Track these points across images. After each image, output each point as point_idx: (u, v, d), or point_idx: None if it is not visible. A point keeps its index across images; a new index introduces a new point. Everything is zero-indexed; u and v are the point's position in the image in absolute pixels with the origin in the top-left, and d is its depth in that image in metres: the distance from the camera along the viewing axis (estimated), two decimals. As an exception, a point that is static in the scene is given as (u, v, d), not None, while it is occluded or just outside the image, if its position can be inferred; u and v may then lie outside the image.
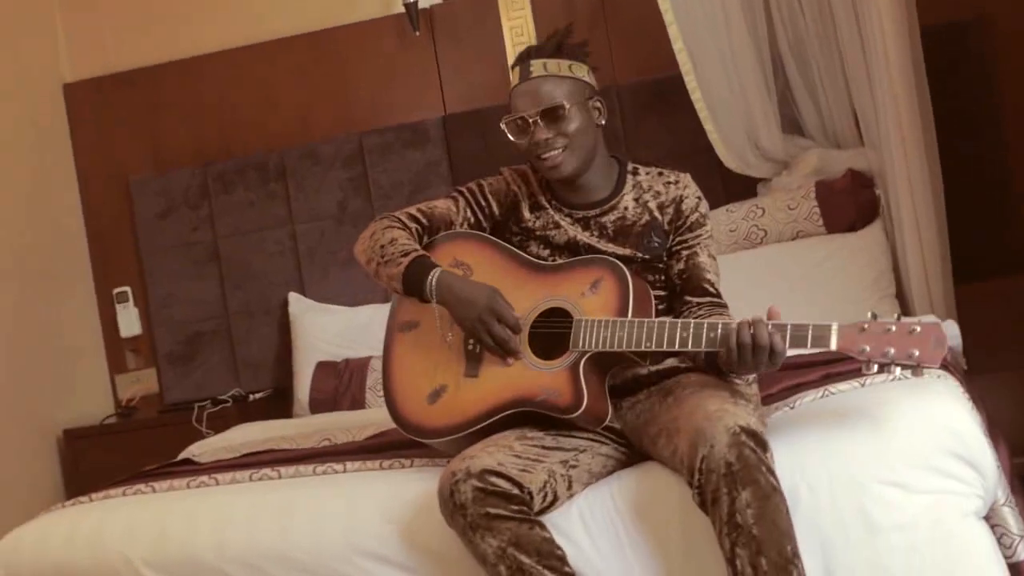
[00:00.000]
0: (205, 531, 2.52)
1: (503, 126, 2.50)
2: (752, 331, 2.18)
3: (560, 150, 2.45)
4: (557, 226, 2.54)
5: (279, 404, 4.30)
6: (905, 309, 3.48)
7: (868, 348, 2.11)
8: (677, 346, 2.27)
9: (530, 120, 2.45)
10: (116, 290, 4.57)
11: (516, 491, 2.20)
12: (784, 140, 3.84)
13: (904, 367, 2.10)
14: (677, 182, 2.55)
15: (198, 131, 4.53)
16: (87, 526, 2.64)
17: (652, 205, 2.53)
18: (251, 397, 4.31)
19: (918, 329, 2.09)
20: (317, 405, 4.03)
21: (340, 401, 3.99)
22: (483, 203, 2.61)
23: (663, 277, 2.53)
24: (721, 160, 3.84)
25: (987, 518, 2.26)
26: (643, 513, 2.27)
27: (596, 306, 2.38)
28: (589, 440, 2.41)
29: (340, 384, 4.02)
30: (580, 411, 2.31)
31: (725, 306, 2.49)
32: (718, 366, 2.31)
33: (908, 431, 2.24)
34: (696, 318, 2.42)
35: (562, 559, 2.20)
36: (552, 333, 2.41)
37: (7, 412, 4.09)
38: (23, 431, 4.19)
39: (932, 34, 3.53)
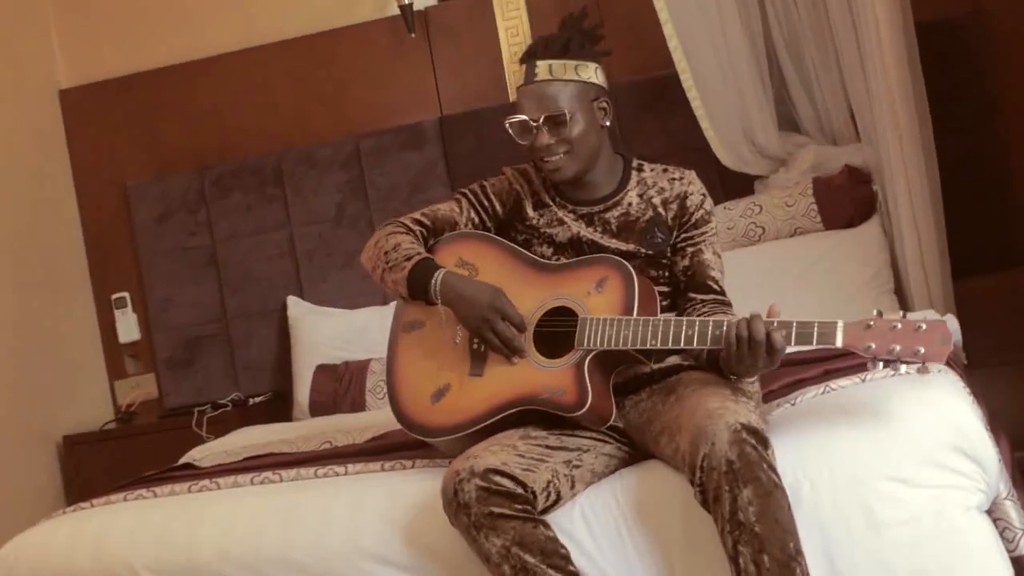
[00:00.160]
0: (207, 535, 2.51)
1: (507, 125, 2.50)
2: (749, 326, 2.18)
3: (562, 155, 2.45)
4: (561, 222, 2.54)
5: (279, 408, 4.30)
6: (904, 304, 3.47)
7: (873, 345, 2.11)
8: (683, 344, 2.27)
9: (533, 125, 2.45)
10: (115, 295, 4.57)
11: (520, 490, 2.19)
12: (780, 137, 3.84)
13: (909, 364, 2.10)
14: (682, 178, 2.55)
15: (195, 135, 4.52)
16: (88, 532, 2.63)
17: (656, 201, 2.53)
18: (251, 401, 4.31)
19: (924, 326, 2.09)
20: (317, 408, 4.03)
21: (340, 404, 3.98)
22: (486, 203, 2.60)
23: (666, 273, 2.53)
24: (718, 158, 3.84)
25: (989, 512, 2.26)
26: (645, 512, 2.27)
27: (601, 305, 2.38)
28: (592, 439, 2.40)
29: (340, 387, 4.02)
30: (584, 409, 2.31)
31: (729, 304, 2.49)
32: (720, 365, 2.31)
33: (910, 426, 2.24)
34: (700, 315, 2.42)
35: (566, 558, 2.20)
36: (557, 332, 2.41)
37: (7, 419, 4.09)
38: (23, 438, 4.18)
39: (928, 30, 3.54)
